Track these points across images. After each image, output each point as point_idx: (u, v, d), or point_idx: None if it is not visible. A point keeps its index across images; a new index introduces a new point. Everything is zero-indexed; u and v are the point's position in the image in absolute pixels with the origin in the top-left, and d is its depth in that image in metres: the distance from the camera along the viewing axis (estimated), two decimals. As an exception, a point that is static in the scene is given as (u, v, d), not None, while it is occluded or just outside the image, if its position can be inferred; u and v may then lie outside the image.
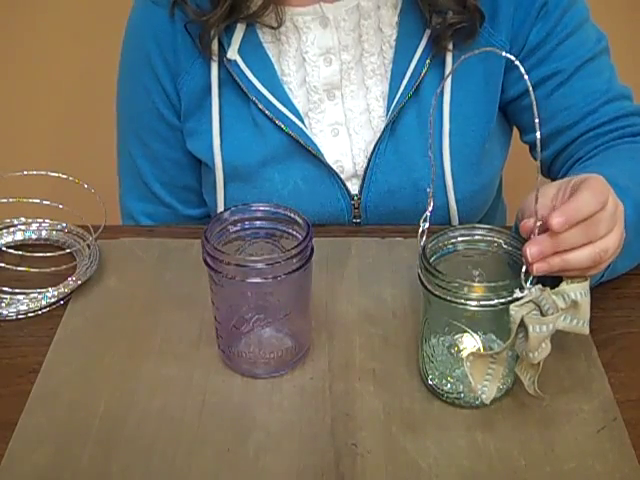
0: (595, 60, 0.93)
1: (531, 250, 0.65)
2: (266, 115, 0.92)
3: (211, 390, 0.73)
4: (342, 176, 0.94)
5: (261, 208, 0.75)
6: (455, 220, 0.95)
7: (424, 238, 0.69)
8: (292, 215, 0.74)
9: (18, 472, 0.66)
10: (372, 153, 0.93)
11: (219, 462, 0.66)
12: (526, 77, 0.62)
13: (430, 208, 0.69)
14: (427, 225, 0.69)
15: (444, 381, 0.71)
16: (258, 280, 0.69)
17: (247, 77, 0.91)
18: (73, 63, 1.63)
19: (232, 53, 0.91)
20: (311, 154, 0.93)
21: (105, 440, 0.68)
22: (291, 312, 0.74)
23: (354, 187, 0.96)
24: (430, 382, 0.72)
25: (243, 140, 0.94)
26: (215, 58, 0.91)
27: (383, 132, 0.92)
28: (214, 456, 0.67)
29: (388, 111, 0.92)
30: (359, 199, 0.95)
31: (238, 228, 0.75)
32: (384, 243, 0.91)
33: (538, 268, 0.65)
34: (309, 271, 0.72)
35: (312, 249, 0.71)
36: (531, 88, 0.61)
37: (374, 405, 0.71)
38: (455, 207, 0.94)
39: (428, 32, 0.90)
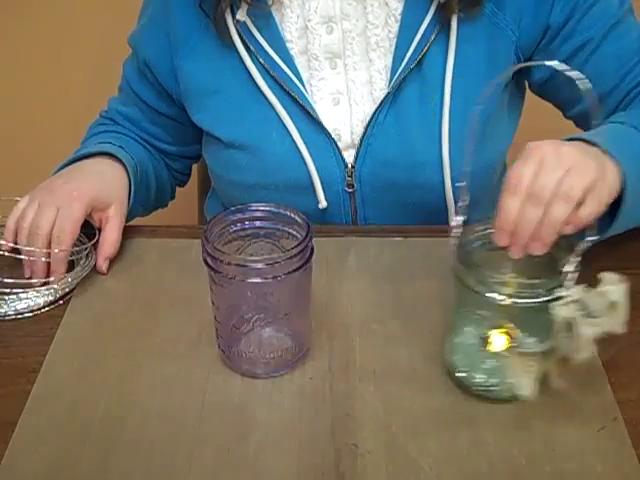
0: (621, 23, 0.93)
1: (499, 242, 0.69)
2: (270, 75, 0.93)
3: (211, 390, 0.73)
4: (339, 145, 0.95)
5: (261, 208, 0.75)
6: (450, 201, 0.95)
7: (458, 233, 0.70)
8: (292, 215, 0.74)
9: (18, 472, 0.66)
10: (370, 122, 0.94)
11: (219, 462, 0.66)
12: (564, 69, 0.65)
13: (466, 201, 0.71)
14: (462, 219, 0.70)
15: (473, 374, 0.71)
16: (258, 280, 0.69)
17: (255, 38, 0.93)
18: (72, 64, 1.63)
19: (241, 15, 0.92)
20: (310, 117, 0.94)
21: (105, 440, 0.68)
22: (291, 312, 0.74)
23: (350, 158, 0.96)
24: (457, 374, 0.72)
25: (242, 98, 0.95)
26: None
27: (383, 102, 0.93)
28: (214, 456, 0.67)
29: (390, 84, 0.93)
30: (353, 168, 0.96)
31: (238, 228, 0.75)
32: (384, 243, 0.91)
33: (516, 253, 0.68)
34: (309, 271, 0.72)
35: (312, 249, 0.71)
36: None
37: (374, 405, 0.71)
38: (450, 186, 0.94)
39: (434, 6, 0.91)
